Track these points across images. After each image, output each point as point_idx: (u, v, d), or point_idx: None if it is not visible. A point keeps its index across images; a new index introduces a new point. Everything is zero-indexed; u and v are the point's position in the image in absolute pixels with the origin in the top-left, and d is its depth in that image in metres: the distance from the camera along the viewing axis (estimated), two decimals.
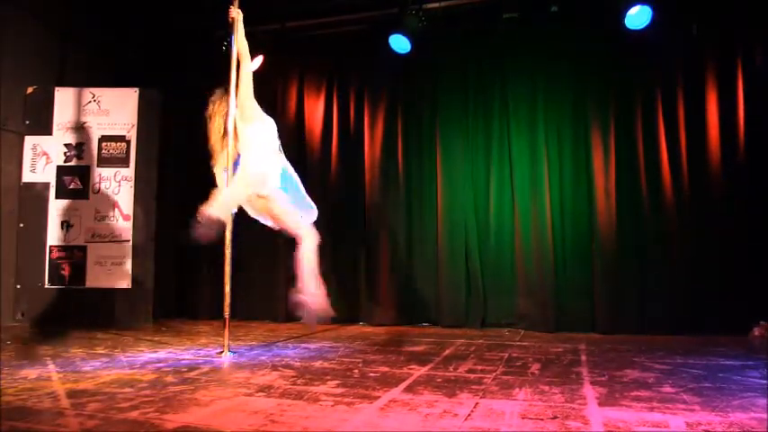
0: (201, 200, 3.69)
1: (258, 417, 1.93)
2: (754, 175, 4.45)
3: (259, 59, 5.29)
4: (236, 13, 3.50)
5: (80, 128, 5.02)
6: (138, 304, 4.91)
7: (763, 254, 4.33)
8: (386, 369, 2.85)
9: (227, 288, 3.41)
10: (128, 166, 5.01)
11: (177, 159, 5.69)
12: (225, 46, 5.01)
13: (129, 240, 4.93)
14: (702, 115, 4.63)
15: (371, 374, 2.70)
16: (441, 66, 5.28)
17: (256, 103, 3.51)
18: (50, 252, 4.88)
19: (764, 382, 2.52)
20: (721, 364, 3.01)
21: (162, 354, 3.35)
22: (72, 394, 2.25)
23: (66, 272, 4.87)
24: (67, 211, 4.93)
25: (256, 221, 3.70)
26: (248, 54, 3.53)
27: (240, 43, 3.50)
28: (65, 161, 4.98)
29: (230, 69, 3.49)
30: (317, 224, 5.48)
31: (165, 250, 5.36)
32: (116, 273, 4.89)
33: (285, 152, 5.52)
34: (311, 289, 3.35)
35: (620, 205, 4.72)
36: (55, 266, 4.87)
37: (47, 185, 4.93)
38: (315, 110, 5.63)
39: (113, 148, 5.02)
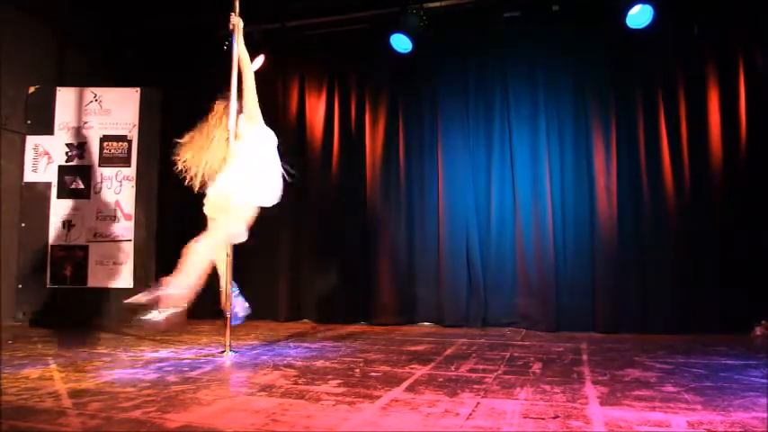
0: (201, 199, 3.71)
1: (260, 416, 1.93)
2: (755, 175, 4.44)
3: (260, 59, 5.30)
4: (237, 21, 3.47)
5: (81, 128, 5.03)
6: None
7: (764, 253, 4.32)
8: (387, 368, 2.85)
9: (228, 287, 3.40)
10: (129, 166, 5.02)
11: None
12: (225, 45, 5.01)
13: (130, 240, 4.94)
14: (703, 114, 4.63)
15: (373, 374, 2.70)
16: (442, 65, 5.28)
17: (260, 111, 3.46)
18: (52, 252, 4.89)
19: (766, 381, 2.52)
20: (723, 363, 3.01)
21: (163, 353, 3.36)
22: (74, 394, 2.25)
23: (67, 271, 4.88)
24: (69, 211, 4.94)
25: (257, 222, 3.68)
26: (249, 62, 3.45)
27: (241, 53, 3.46)
28: (66, 161, 4.99)
29: (230, 75, 3.46)
30: (316, 225, 5.51)
31: (167, 250, 5.36)
32: (117, 272, 4.90)
33: (286, 152, 5.53)
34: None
35: (622, 205, 4.72)
36: (56, 266, 4.88)
37: (48, 185, 4.94)
38: (316, 109, 5.63)
39: (115, 148, 5.03)
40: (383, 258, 5.25)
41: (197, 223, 5.59)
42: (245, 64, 3.44)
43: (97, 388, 2.36)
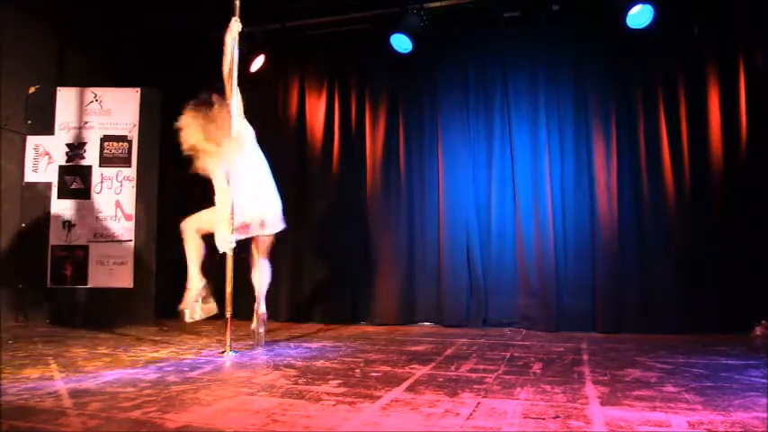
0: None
1: (260, 416, 1.93)
2: (755, 175, 4.45)
3: (260, 59, 5.30)
4: (234, 25, 3.48)
5: (81, 128, 5.03)
6: (139, 304, 4.92)
7: (764, 253, 4.32)
8: (387, 369, 2.85)
9: (229, 288, 3.41)
10: (129, 166, 5.02)
11: (178, 159, 5.68)
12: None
13: (130, 240, 4.94)
14: (704, 114, 4.64)
15: (373, 374, 2.70)
16: (442, 65, 5.29)
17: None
18: (52, 252, 4.89)
19: (766, 381, 2.52)
20: (723, 363, 3.01)
21: (164, 353, 3.36)
22: (74, 394, 2.25)
23: (67, 272, 4.87)
24: (69, 211, 4.93)
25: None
26: (233, 67, 3.54)
27: (230, 56, 3.49)
28: (66, 161, 4.98)
29: (231, 78, 3.49)
30: (316, 225, 5.51)
31: (167, 250, 5.35)
32: (118, 272, 4.89)
33: (287, 153, 5.58)
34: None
35: (622, 205, 4.73)
36: (57, 266, 4.88)
37: (49, 185, 4.93)
38: (316, 110, 5.63)
39: (115, 148, 5.03)
40: (383, 258, 5.26)
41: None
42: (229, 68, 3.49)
43: (97, 388, 2.36)
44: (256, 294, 3.83)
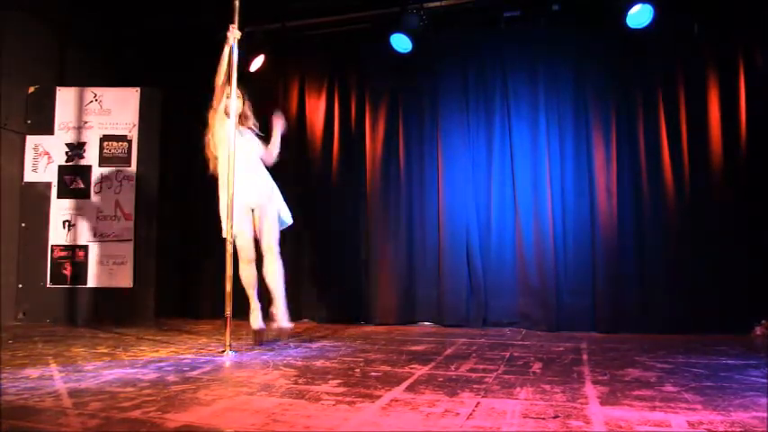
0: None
1: (260, 416, 1.93)
2: (755, 175, 4.45)
3: (260, 59, 5.30)
4: (237, 34, 3.49)
5: (81, 128, 5.03)
6: (139, 303, 4.92)
7: (764, 253, 4.32)
8: (387, 368, 2.85)
9: (229, 287, 3.41)
10: (129, 166, 5.02)
11: (178, 158, 5.70)
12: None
13: (130, 240, 4.94)
14: (704, 115, 4.64)
15: (373, 374, 2.70)
16: (442, 65, 5.28)
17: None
18: (52, 252, 4.89)
19: (765, 381, 2.52)
20: (723, 363, 3.01)
21: (164, 353, 3.36)
22: (74, 393, 2.25)
23: (68, 271, 4.88)
24: (69, 211, 4.94)
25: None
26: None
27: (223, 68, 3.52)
28: (66, 161, 4.99)
29: (231, 81, 3.51)
30: (316, 224, 5.52)
31: (167, 249, 5.36)
32: (118, 272, 4.90)
33: (287, 153, 5.60)
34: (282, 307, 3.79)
35: (622, 205, 4.73)
36: (57, 266, 4.88)
37: (48, 185, 4.94)
38: (316, 110, 5.63)
39: (115, 148, 5.03)
40: (383, 258, 5.25)
41: (197, 223, 5.60)
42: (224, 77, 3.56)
43: (97, 387, 2.36)
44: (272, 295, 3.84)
